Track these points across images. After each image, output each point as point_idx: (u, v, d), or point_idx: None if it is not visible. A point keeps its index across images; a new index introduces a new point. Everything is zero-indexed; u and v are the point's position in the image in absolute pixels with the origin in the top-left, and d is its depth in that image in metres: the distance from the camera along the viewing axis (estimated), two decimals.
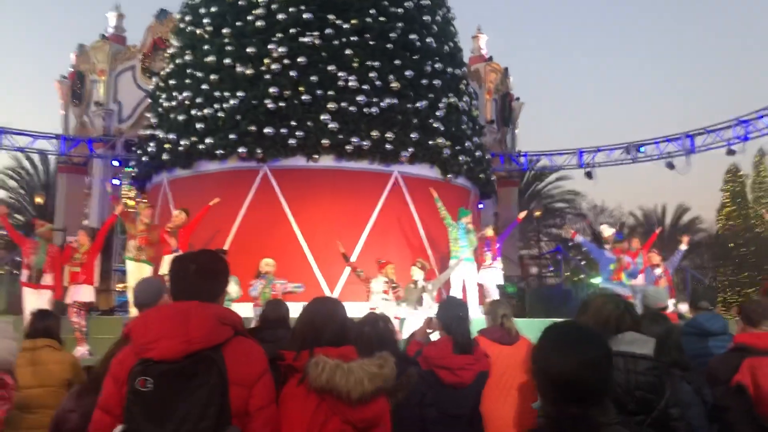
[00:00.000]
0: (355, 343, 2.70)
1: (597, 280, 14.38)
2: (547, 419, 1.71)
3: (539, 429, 1.73)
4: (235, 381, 2.16)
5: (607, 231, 13.32)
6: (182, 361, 2.11)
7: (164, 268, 10.24)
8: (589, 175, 19.81)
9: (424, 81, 13.15)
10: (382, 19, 13.10)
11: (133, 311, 10.04)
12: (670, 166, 18.41)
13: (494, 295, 11.63)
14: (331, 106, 12.11)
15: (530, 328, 4.54)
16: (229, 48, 12.83)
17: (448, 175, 13.25)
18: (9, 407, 2.18)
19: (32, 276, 9.86)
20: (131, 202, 10.96)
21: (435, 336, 4.14)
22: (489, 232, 12.15)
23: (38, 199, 24.36)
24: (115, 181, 19.82)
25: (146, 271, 10.37)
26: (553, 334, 1.86)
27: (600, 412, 1.66)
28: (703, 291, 4.44)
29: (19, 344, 2.27)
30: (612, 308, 2.97)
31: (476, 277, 11.45)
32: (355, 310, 4.32)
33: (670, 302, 10.08)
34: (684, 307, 9.93)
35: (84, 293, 9.87)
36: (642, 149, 19.08)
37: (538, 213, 27.07)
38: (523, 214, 13.58)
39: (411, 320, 8.84)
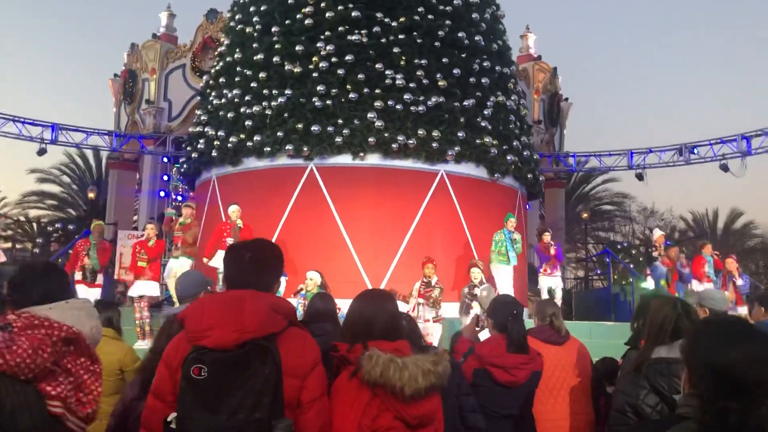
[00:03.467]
0: None
1: (647, 284, 14.10)
2: (700, 412, 1.65)
3: (688, 422, 1.65)
4: (288, 372, 2.13)
5: (656, 233, 13.08)
6: (236, 350, 2.09)
7: (215, 261, 10.45)
8: (639, 176, 19.37)
9: (472, 79, 13.02)
10: (430, 17, 13.02)
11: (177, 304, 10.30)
12: (725, 168, 17.84)
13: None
14: (377, 104, 12.09)
15: (576, 332, 4.45)
16: (277, 46, 12.93)
17: (495, 175, 13.09)
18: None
19: (86, 275, 10.32)
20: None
21: (483, 334, 4.07)
22: (547, 238, 12.11)
23: (90, 195, 25.01)
24: (165, 178, 20.27)
25: (185, 265, 10.67)
26: (715, 325, 1.82)
27: (762, 412, 1.58)
28: None
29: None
30: (668, 311, 2.87)
31: (509, 280, 11.37)
32: (400, 308, 4.26)
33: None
34: (743, 310, 9.63)
35: (151, 288, 10.24)
36: (695, 151, 18.55)
37: (585, 215, 26.63)
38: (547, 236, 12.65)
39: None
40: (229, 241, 10.63)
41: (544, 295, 11.92)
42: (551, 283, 12.19)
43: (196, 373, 2.06)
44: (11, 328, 2.05)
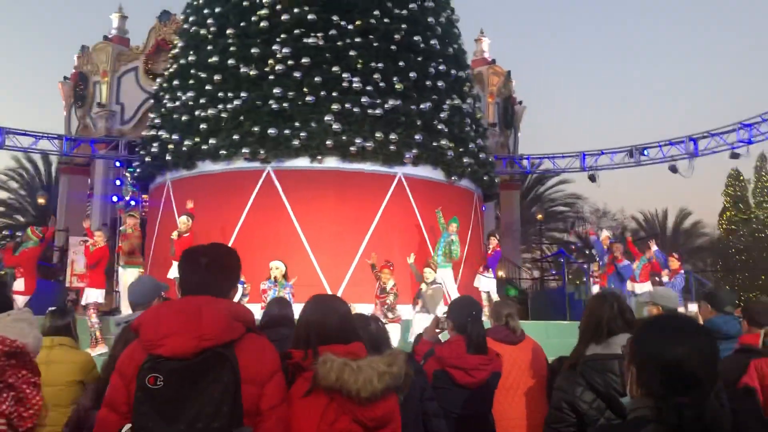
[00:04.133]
0: None
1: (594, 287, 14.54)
2: (652, 411, 1.66)
3: (642, 421, 1.67)
4: (247, 379, 2.10)
5: (603, 234, 13.46)
6: (194, 358, 2.04)
7: (172, 272, 10.34)
8: (592, 178, 19.72)
9: (428, 83, 13.12)
10: (386, 20, 13.07)
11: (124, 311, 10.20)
12: (674, 169, 18.33)
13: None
14: (335, 107, 12.07)
15: (533, 331, 4.52)
16: (232, 48, 12.81)
17: (452, 177, 13.19)
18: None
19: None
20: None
21: (444, 336, 4.09)
22: (492, 242, 12.23)
23: (40, 200, 24.30)
24: (117, 182, 19.83)
25: (131, 274, 10.57)
26: (661, 322, 1.83)
27: (711, 404, 1.62)
28: (725, 294, 4.37)
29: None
30: (605, 310, 2.91)
31: (451, 282, 11.45)
32: (360, 311, 4.26)
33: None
34: (693, 308, 9.94)
35: (95, 294, 10.07)
36: (645, 152, 19.00)
37: (540, 216, 27.02)
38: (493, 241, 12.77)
39: (419, 322, 8.78)
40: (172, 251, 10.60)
41: (483, 296, 12.01)
42: (486, 284, 12.17)
43: (152, 382, 2.01)
44: None
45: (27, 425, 2.03)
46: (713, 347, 1.73)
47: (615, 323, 2.82)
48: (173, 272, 10.39)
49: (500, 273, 12.93)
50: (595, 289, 12.60)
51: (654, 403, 1.67)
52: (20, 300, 9.79)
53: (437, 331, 4.04)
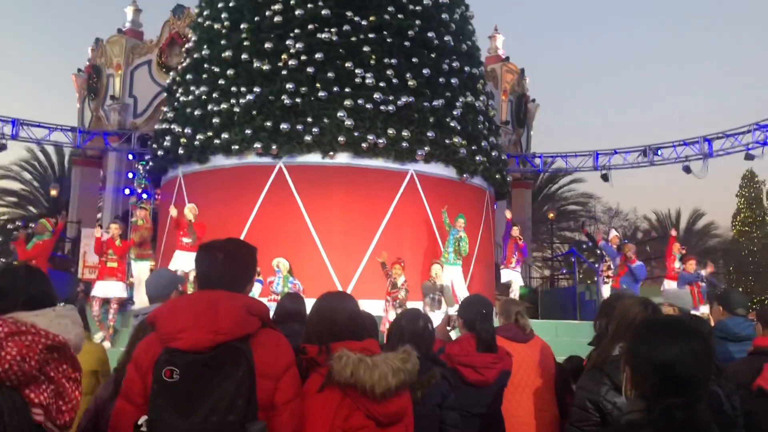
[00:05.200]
0: (388, 334, 2.63)
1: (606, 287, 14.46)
2: (646, 413, 1.65)
3: (634, 425, 1.66)
4: (262, 373, 2.11)
5: (612, 233, 13.45)
6: (210, 352, 2.06)
7: (174, 263, 10.44)
8: (605, 177, 19.66)
9: (442, 79, 13.07)
10: (400, 16, 13.03)
11: (138, 304, 10.28)
12: (687, 170, 18.24)
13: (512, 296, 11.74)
14: (347, 103, 12.06)
15: (542, 331, 4.52)
16: (246, 43, 12.81)
17: (464, 175, 13.16)
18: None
19: None
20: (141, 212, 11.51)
21: (455, 333, 4.09)
22: (515, 232, 12.32)
23: (53, 192, 24.48)
24: (129, 175, 19.96)
25: (142, 267, 10.65)
26: (655, 325, 1.83)
27: (702, 407, 1.61)
28: (738, 296, 4.37)
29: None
30: (639, 311, 2.91)
31: (461, 279, 11.44)
32: (369, 307, 4.29)
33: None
34: (704, 309, 9.90)
35: (119, 289, 10.13)
36: (659, 152, 18.91)
37: (551, 215, 26.95)
38: (508, 213, 13.45)
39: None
40: (185, 240, 10.65)
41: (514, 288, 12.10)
42: (513, 277, 12.38)
43: (168, 375, 2.02)
44: None
45: (65, 419, 2.06)
46: (707, 349, 1.73)
47: None
48: (175, 263, 10.48)
49: None
50: (606, 288, 12.51)
51: (646, 406, 1.66)
52: None
53: (448, 329, 4.05)
